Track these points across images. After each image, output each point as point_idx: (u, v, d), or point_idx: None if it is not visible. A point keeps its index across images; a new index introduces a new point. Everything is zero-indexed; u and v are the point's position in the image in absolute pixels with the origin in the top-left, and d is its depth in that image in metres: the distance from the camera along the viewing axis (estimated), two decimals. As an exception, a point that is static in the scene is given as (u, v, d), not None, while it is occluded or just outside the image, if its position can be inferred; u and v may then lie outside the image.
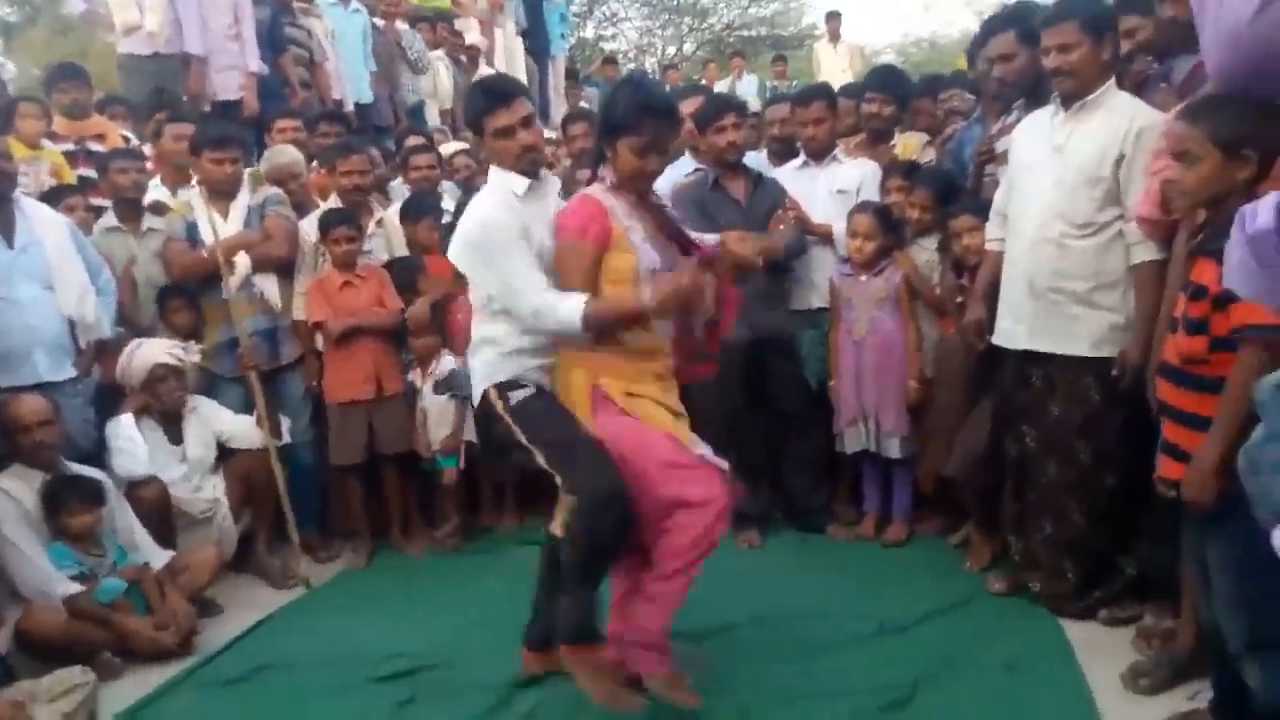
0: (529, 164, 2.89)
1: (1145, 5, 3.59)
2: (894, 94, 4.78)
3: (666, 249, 2.93)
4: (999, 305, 3.55)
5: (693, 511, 2.71)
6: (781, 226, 4.18)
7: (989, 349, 3.62)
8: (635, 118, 2.77)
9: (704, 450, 2.81)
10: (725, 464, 2.80)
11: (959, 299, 3.94)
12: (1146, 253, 3.18)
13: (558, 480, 2.84)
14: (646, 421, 2.79)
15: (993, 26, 4.03)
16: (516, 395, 2.89)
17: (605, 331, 2.81)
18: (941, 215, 4.06)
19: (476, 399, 3.02)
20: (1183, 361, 2.59)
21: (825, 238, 4.40)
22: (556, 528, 2.98)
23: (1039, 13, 3.61)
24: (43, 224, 3.97)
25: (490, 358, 2.95)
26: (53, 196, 4.42)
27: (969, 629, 3.40)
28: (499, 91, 2.91)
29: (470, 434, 4.44)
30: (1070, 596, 3.44)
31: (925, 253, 4.21)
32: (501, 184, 2.92)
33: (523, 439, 2.88)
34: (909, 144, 4.91)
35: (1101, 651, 3.19)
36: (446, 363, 4.43)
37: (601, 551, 2.84)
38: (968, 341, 3.74)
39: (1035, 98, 3.73)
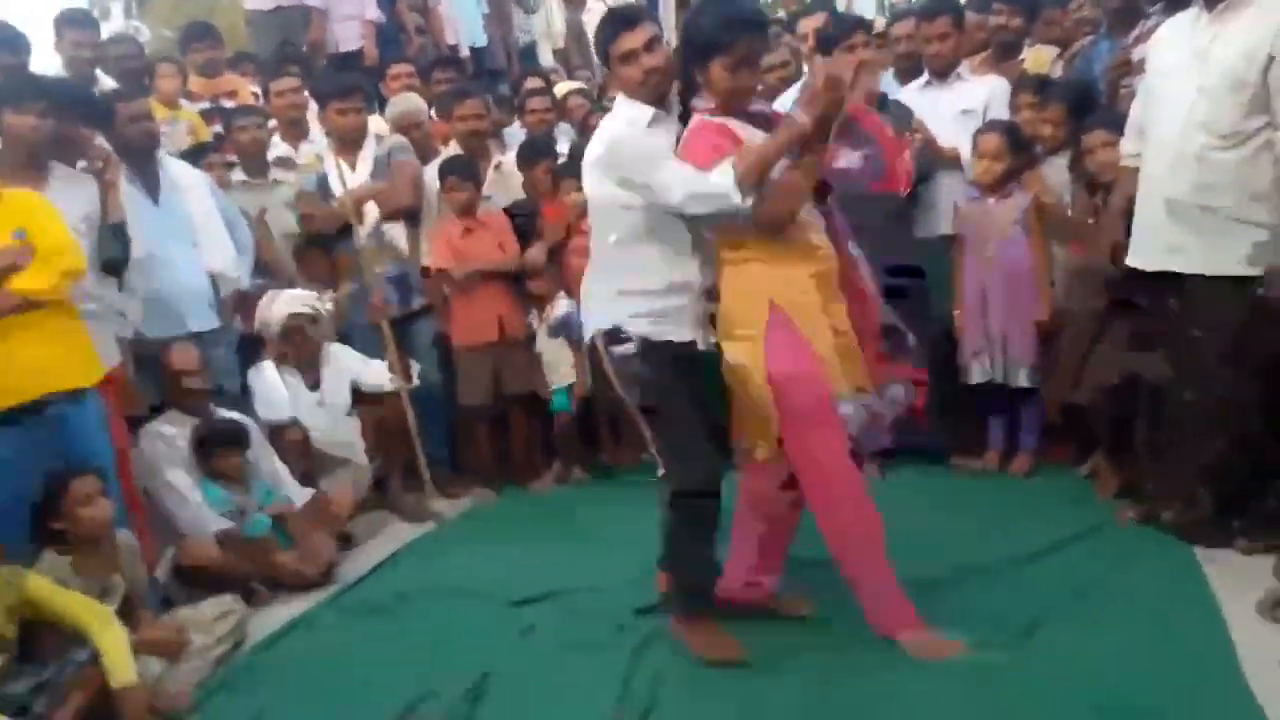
0: (653, 89, 2.80)
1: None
2: (1022, 3, 4.56)
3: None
4: (1134, 224, 3.38)
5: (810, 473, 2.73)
6: (907, 153, 4.08)
7: (1125, 270, 3.46)
8: (725, 34, 2.65)
9: (847, 405, 2.68)
10: (857, 424, 2.69)
11: (1092, 220, 3.76)
12: (1296, 164, 2.98)
13: (651, 450, 2.88)
14: (817, 350, 2.67)
15: None
16: (618, 350, 2.84)
17: (757, 178, 2.62)
18: (1074, 130, 3.87)
19: (586, 343, 3.03)
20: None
21: (954, 161, 4.25)
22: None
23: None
24: (184, 182, 4.15)
25: (599, 299, 2.92)
26: (192, 155, 4.60)
27: (1098, 559, 3.30)
28: (622, 16, 2.85)
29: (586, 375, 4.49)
30: (1206, 525, 3.30)
31: (1057, 172, 4.02)
32: (625, 112, 2.85)
33: (625, 397, 2.88)
34: (1039, 57, 4.69)
35: (1238, 581, 3.04)
36: (561, 306, 4.49)
37: (694, 539, 2.87)
38: (1101, 264, 3.58)
39: (1176, 4, 3.50)
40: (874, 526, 2.76)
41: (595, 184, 2.88)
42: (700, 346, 2.88)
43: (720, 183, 2.61)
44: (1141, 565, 3.23)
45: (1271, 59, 2.98)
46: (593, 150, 2.89)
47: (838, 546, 2.81)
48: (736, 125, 2.74)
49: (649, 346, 2.83)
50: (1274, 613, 2.83)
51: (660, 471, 2.89)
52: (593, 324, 2.93)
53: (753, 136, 2.70)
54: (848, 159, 3.83)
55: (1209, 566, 3.18)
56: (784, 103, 4.41)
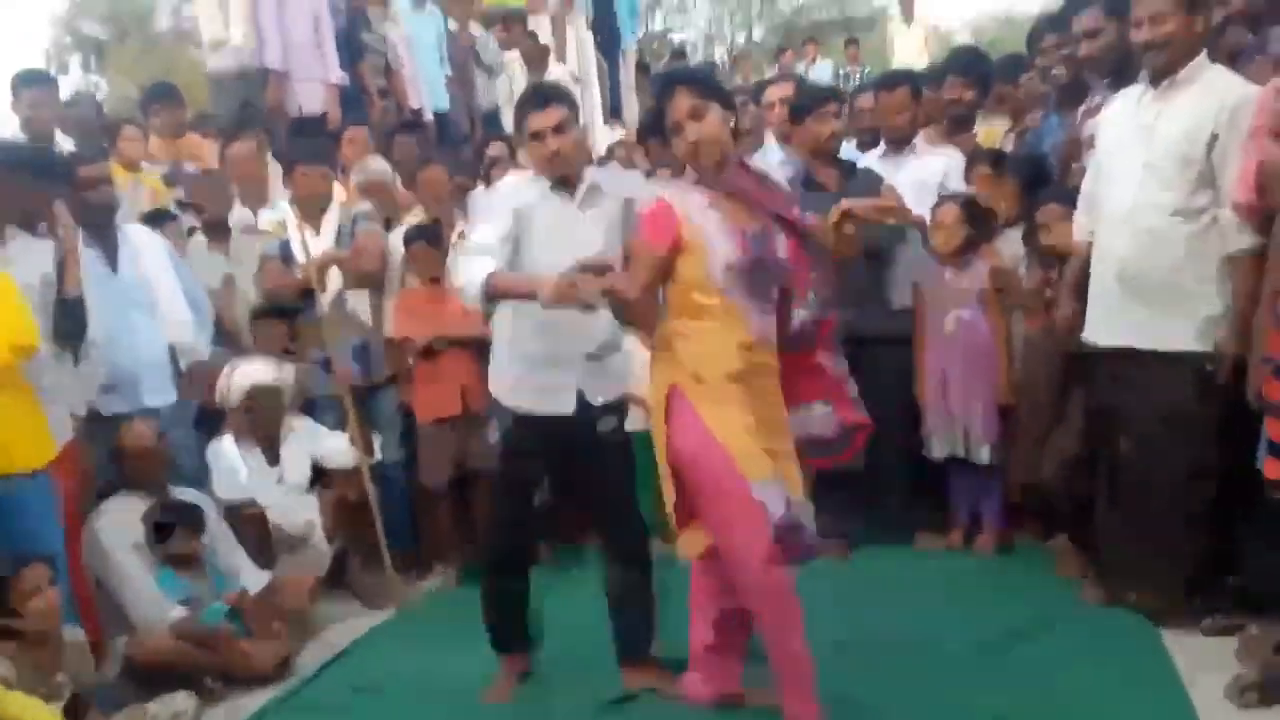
0: (556, 169, 2.94)
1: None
2: (975, 77, 4.64)
3: (758, 231, 2.71)
4: (1090, 299, 3.43)
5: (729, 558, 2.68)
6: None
7: (1079, 346, 3.50)
8: (659, 100, 2.78)
9: (766, 490, 2.59)
10: (780, 508, 2.59)
11: (1048, 294, 3.81)
12: (1243, 240, 3.05)
13: None
14: (716, 432, 2.64)
15: (1079, 1, 3.90)
16: (495, 431, 3.16)
17: (499, 298, 2.80)
18: (1028, 204, 3.94)
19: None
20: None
21: (921, 227, 4.29)
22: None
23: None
24: (144, 249, 4.04)
25: (492, 365, 3.15)
26: (152, 220, 4.51)
27: (1066, 640, 3.30)
28: (538, 95, 2.99)
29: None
30: (1170, 605, 3.31)
31: (1011, 245, 4.08)
32: (519, 179, 3.09)
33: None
34: (992, 131, 4.78)
35: (1205, 663, 3.06)
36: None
37: (492, 601, 3.18)
38: (1058, 339, 3.62)
39: (1120, 79, 3.59)
40: (790, 617, 2.67)
41: None
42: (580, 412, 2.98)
43: (469, 287, 2.79)
44: (1109, 648, 3.22)
45: (1215, 136, 3.06)
46: None
47: (758, 630, 2.79)
48: (697, 204, 2.69)
49: (518, 420, 3.02)
50: (1243, 697, 2.84)
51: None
52: (493, 388, 3.15)
53: (705, 224, 2.67)
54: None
55: (1175, 648, 3.18)
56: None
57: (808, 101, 4.29)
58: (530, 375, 3.00)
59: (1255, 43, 3.45)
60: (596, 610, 3.22)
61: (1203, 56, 3.16)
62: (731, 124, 2.72)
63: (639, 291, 2.64)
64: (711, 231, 2.66)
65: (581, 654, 3.33)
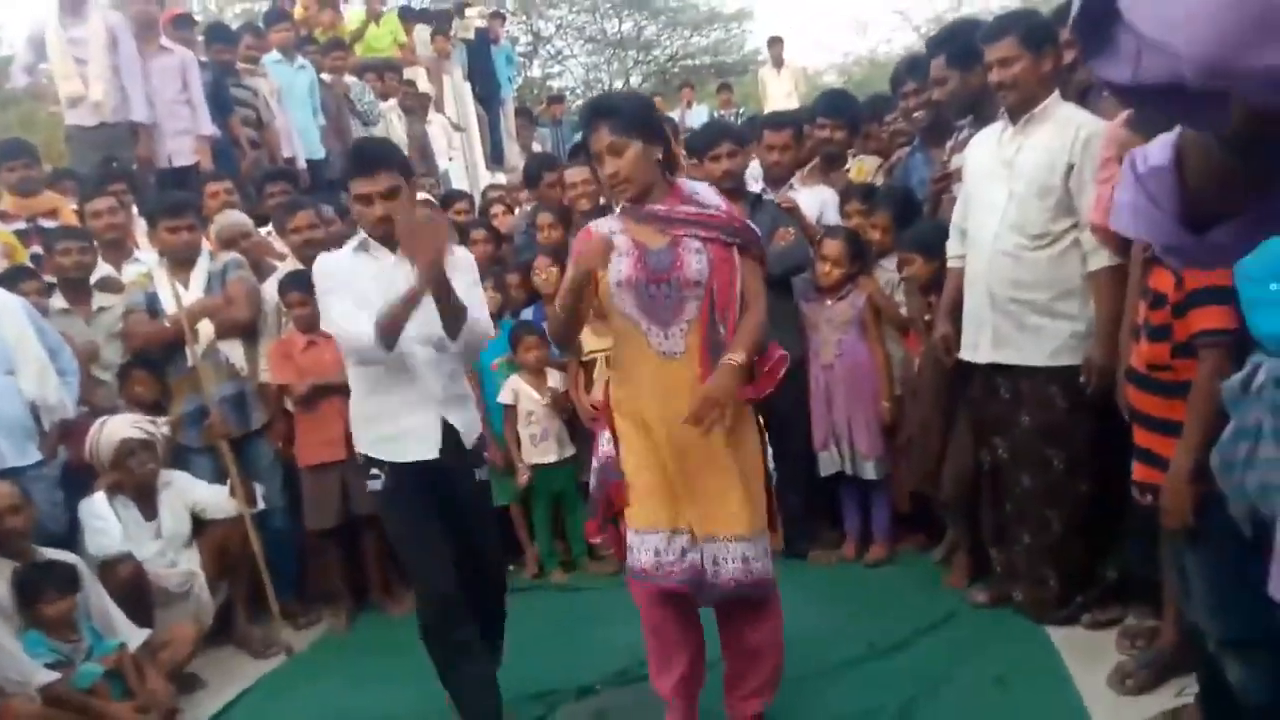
0: (382, 234, 2.94)
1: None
2: (845, 118, 4.82)
3: (662, 249, 2.70)
4: (964, 320, 3.59)
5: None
6: (782, 243, 4.23)
7: (958, 363, 3.66)
8: (583, 128, 2.89)
9: (639, 538, 2.72)
10: (642, 560, 2.73)
11: (926, 316, 3.99)
12: (1103, 260, 3.24)
13: None
14: (624, 462, 2.74)
15: (931, 49, 4.13)
16: (372, 484, 3.02)
17: (392, 331, 2.79)
18: (898, 235, 4.12)
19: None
20: (1148, 367, 2.63)
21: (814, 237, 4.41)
22: None
23: (978, 29, 3.69)
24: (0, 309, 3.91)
25: (354, 420, 3.10)
26: (7, 279, 4.33)
27: (956, 644, 3.42)
28: (362, 160, 2.99)
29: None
30: (1053, 604, 3.47)
31: (886, 273, 4.26)
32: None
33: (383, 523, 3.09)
34: (862, 167, 4.96)
35: (1087, 655, 3.21)
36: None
37: (444, 648, 2.98)
38: (936, 357, 3.78)
39: (982, 116, 3.80)
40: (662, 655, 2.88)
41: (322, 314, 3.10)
42: (446, 457, 2.98)
43: (363, 337, 2.81)
44: (997, 647, 3.35)
45: (1071, 166, 3.26)
46: None
47: None
48: (618, 227, 2.75)
49: (393, 470, 2.97)
50: (1124, 684, 2.98)
51: None
52: (358, 444, 3.08)
53: (618, 245, 2.70)
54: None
55: (1061, 643, 3.33)
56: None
57: (703, 141, 4.39)
58: (395, 423, 2.97)
59: (1102, 80, 3.67)
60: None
61: (1055, 95, 3.37)
62: (659, 155, 2.70)
63: (559, 307, 2.78)
64: (617, 253, 2.69)
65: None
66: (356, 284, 2.93)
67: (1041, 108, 3.33)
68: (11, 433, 3.78)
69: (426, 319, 2.86)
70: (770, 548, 2.78)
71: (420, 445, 2.97)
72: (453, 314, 2.83)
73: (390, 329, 2.77)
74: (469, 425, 3.08)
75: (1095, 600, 3.44)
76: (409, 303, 2.75)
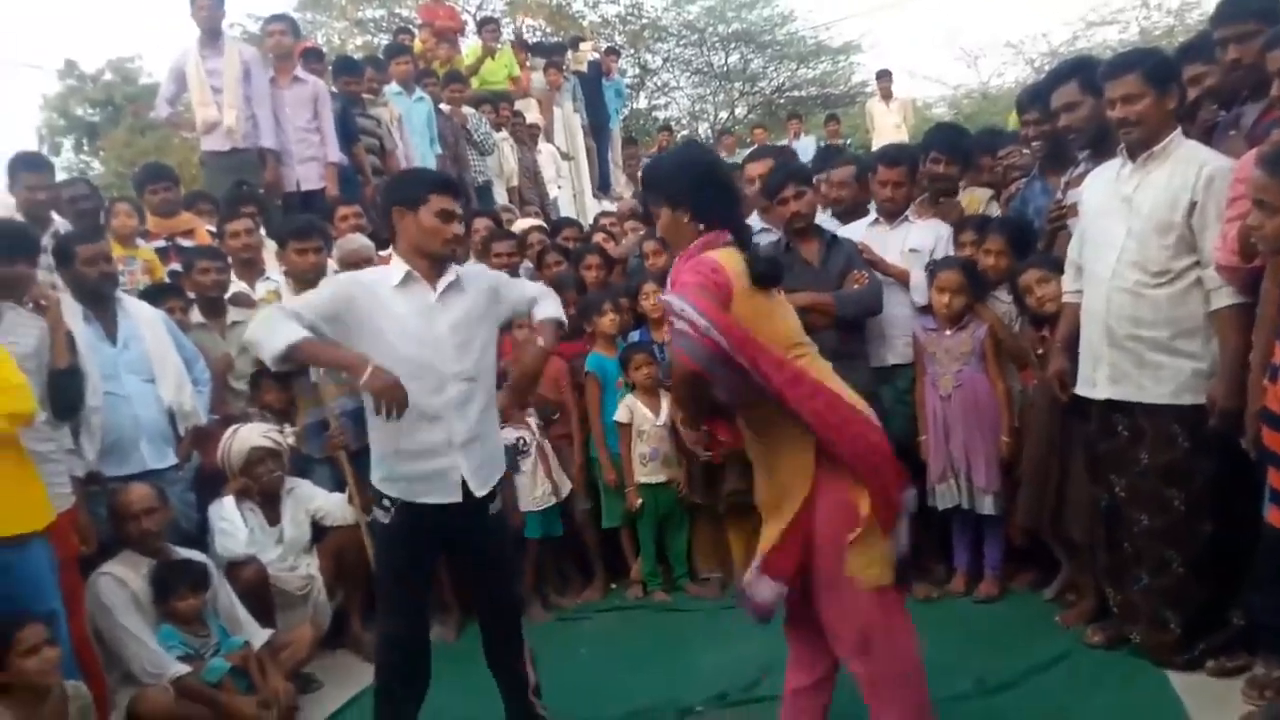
0: (449, 252, 3.01)
1: (1209, 52, 3.61)
2: (956, 152, 4.79)
3: None
4: (1080, 355, 3.54)
5: None
6: (857, 285, 4.25)
7: (1073, 399, 3.60)
8: None
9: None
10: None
11: (1039, 350, 3.93)
12: (1227, 298, 3.17)
13: None
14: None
15: (1056, 77, 4.07)
16: (379, 514, 3.03)
17: (298, 363, 2.92)
18: (1014, 268, 4.08)
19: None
20: None
21: (902, 279, 4.42)
22: None
23: (1099, 65, 3.65)
24: (142, 320, 4.17)
25: (372, 453, 3.08)
26: (150, 295, 4.60)
27: (1071, 684, 3.34)
28: (450, 181, 3.14)
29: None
30: (1174, 647, 3.36)
31: (1002, 304, 4.22)
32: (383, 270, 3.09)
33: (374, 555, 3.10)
34: (973, 199, 4.92)
35: (1211, 704, 3.10)
36: (509, 433, 4.47)
37: (391, 692, 3.03)
38: (1051, 393, 3.72)
39: (1100, 150, 3.75)
40: None
41: None
42: (465, 499, 2.98)
43: (270, 343, 2.82)
44: (1114, 690, 3.26)
45: (1193, 204, 3.20)
46: None
47: None
48: None
49: (404, 510, 2.97)
50: (1250, 736, 2.87)
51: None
52: (372, 476, 3.08)
53: None
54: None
55: (1182, 689, 3.22)
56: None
57: (774, 184, 4.44)
58: (406, 466, 2.96)
59: (1228, 119, 3.60)
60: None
61: (1178, 132, 3.31)
62: (686, 217, 2.72)
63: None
64: None
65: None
66: (387, 317, 2.91)
67: (1163, 145, 3.28)
68: (151, 437, 4.02)
69: (460, 355, 2.96)
70: None
71: (440, 491, 2.97)
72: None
73: (302, 361, 2.92)
74: (489, 467, 3.06)
75: (1220, 647, 3.31)
76: (341, 367, 2.93)
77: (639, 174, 3.03)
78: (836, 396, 2.63)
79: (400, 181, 3.20)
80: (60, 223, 5.03)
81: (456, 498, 2.97)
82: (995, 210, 4.80)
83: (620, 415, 4.70)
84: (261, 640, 3.81)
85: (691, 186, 2.73)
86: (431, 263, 2.98)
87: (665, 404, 4.69)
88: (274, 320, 2.87)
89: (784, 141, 12.38)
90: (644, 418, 4.68)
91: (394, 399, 2.76)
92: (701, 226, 2.70)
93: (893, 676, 2.64)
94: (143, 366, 4.08)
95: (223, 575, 3.90)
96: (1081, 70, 3.88)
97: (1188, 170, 3.22)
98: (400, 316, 2.93)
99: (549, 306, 3.28)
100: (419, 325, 2.93)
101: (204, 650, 3.63)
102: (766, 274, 2.67)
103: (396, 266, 2.99)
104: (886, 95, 12.78)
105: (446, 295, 3.00)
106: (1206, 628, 3.35)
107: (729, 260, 2.62)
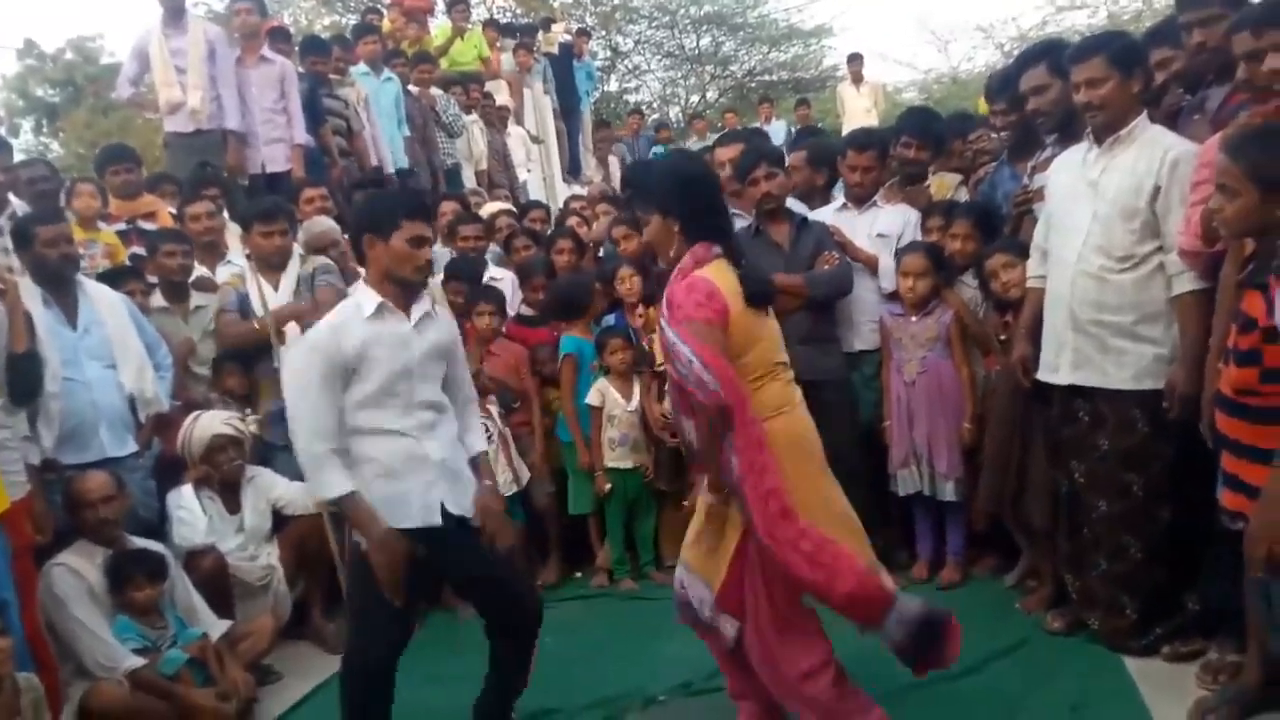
0: (421, 279, 2.97)
1: (1175, 36, 3.61)
2: (928, 136, 4.78)
3: None
4: (1043, 341, 3.55)
5: None
6: (827, 266, 4.24)
7: (1035, 385, 3.61)
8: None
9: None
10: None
11: (1003, 336, 3.94)
12: (1188, 283, 3.18)
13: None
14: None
15: (1024, 60, 4.06)
16: (360, 539, 2.93)
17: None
18: (980, 252, 4.08)
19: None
20: (1235, 392, 2.58)
21: (870, 265, 4.42)
22: None
23: (1068, 48, 3.64)
24: (103, 304, 4.08)
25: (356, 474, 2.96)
26: (110, 277, 4.52)
27: (1030, 670, 3.37)
28: (422, 204, 3.08)
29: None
30: (1131, 633, 3.39)
31: (968, 290, 4.22)
32: (352, 300, 3.02)
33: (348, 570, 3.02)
34: (942, 184, 4.92)
35: (1166, 688, 3.13)
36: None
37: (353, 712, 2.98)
38: (1014, 378, 3.73)
39: (1067, 134, 3.75)
40: None
41: (288, 396, 3.03)
42: (442, 520, 2.95)
43: (331, 488, 2.86)
44: (1071, 676, 3.28)
45: (1158, 189, 3.21)
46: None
47: None
48: None
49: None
50: (1204, 720, 2.90)
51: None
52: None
53: None
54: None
55: (1138, 674, 3.25)
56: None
57: (745, 165, 4.42)
58: (390, 488, 2.91)
59: (1193, 102, 3.61)
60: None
61: (1143, 116, 3.31)
62: (676, 226, 2.75)
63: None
64: None
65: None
66: (374, 353, 2.87)
67: (1128, 129, 3.28)
68: (112, 424, 3.94)
69: (430, 385, 2.98)
70: None
71: (422, 511, 2.94)
72: None
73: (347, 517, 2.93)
74: (461, 486, 3.05)
75: (1176, 631, 3.35)
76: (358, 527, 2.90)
77: (622, 172, 3.01)
78: (823, 540, 2.62)
79: (372, 207, 3.14)
80: (18, 204, 4.94)
81: (436, 520, 2.95)
82: (964, 195, 4.80)
83: (592, 398, 4.67)
84: (220, 631, 3.76)
85: (683, 198, 2.78)
86: (403, 290, 2.95)
87: (637, 389, 4.67)
88: (321, 462, 2.84)
89: (755, 125, 12.35)
90: (615, 402, 4.66)
91: (387, 578, 2.83)
92: (689, 237, 2.73)
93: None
94: (103, 352, 4.00)
95: (180, 565, 3.84)
96: (1050, 53, 3.86)
97: (1152, 154, 3.23)
98: (379, 349, 2.89)
99: (478, 440, 3.23)
100: (391, 355, 2.91)
101: (161, 642, 3.58)
102: (759, 294, 2.73)
103: (367, 298, 2.94)
104: (857, 79, 12.78)
105: (422, 325, 2.98)
106: (1162, 613, 3.38)
107: (723, 280, 2.67)
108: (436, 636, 4.28)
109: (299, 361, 2.98)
